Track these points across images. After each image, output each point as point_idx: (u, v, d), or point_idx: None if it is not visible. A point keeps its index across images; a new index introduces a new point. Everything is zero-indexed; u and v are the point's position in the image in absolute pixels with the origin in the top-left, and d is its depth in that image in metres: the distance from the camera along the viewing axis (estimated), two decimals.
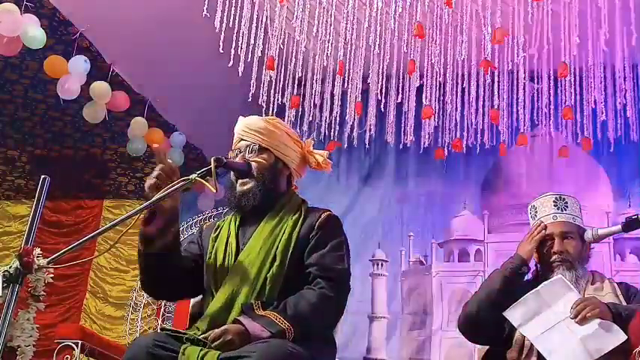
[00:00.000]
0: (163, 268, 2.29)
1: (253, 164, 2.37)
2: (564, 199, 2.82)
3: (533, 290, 2.60)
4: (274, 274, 2.23)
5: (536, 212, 2.85)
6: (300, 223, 2.34)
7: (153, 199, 2.15)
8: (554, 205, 2.79)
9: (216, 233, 2.42)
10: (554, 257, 2.72)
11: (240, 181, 2.37)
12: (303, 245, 2.30)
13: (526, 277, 2.81)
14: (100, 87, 5.83)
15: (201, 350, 2.07)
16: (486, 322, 2.67)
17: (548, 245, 2.75)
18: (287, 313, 2.13)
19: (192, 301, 2.54)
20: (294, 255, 2.28)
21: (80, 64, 5.54)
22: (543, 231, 2.78)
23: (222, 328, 2.11)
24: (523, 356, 2.56)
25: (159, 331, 2.65)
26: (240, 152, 2.41)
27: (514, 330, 2.59)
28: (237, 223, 2.41)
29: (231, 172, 2.39)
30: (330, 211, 2.42)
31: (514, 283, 2.69)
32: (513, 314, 2.58)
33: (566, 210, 2.79)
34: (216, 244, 2.39)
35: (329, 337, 2.35)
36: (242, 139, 2.44)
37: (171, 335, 2.18)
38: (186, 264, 2.39)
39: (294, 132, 2.54)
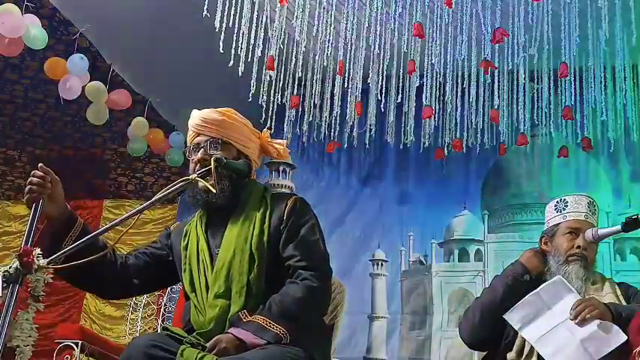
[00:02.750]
0: (89, 277, 2.24)
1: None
2: (595, 204, 2.82)
3: (532, 292, 2.60)
4: (256, 276, 2.20)
5: (565, 206, 2.80)
6: (267, 216, 2.28)
7: (153, 199, 2.15)
8: (588, 207, 2.79)
9: (186, 241, 2.35)
10: (575, 250, 2.70)
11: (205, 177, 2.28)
12: (276, 238, 2.26)
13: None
14: (96, 87, 5.83)
15: (199, 353, 2.06)
16: (488, 330, 2.66)
17: (571, 238, 2.74)
18: (274, 314, 2.10)
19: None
20: (270, 251, 2.24)
21: (77, 62, 5.53)
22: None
23: (214, 338, 2.09)
24: (523, 357, 2.55)
25: (159, 331, 2.65)
26: (200, 147, 2.33)
27: (517, 335, 2.59)
28: (204, 225, 2.35)
29: (189, 170, 2.31)
30: (295, 195, 2.38)
31: (517, 291, 2.67)
32: (513, 317, 2.57)
33: (594, 215, 2.80)
34: (187, 252, 2.32)
35: (326, 336, 2.35)
36: (200, 134, 2.37)
37: (171, 336, 2.18)
38: (128, 265, 2.36)
39: (249, 122, 2.47)
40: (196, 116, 2.40)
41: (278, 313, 2.11)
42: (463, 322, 2.75)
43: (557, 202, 2.85)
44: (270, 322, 2.09)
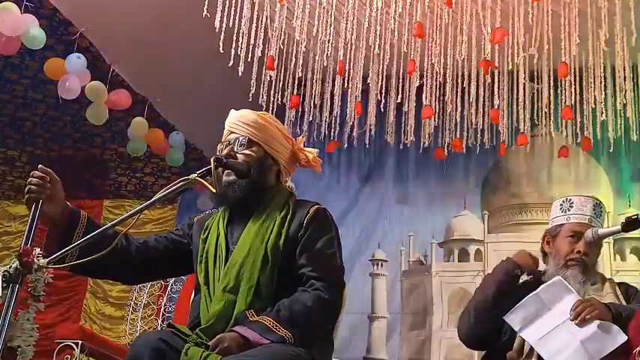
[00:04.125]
0: (105, 267, 2.27)
1: (240, 157, 2.34)
2: (601, 207, 2.79)
3: (532, 293, 2.59)
4: (267, 277, 2.20)
5: (570, 207, 2.77)
6: (288, 220, 2.30)
7: (153, 199, 2.14)
8: (593, 210, 2.76)
9: (206, 234, 2.38)
10: (575, 255, 2.69)
11: (226, 171, 2.32)
12: (293, 244, 2.27)
13: (527, 278, 2.79)
14: (95, 87, 5.82)
15: (203, 352, 2.06)
16: (484, 328, 2.65)
17: (572, 242, 2.72)
18: (282, 318, 2.10)
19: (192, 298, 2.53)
20: (285, 255, 2.24)
21: (75, 61, 5.52)
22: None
23: (217, 337, 2.09)
24: (523, 357, 2.55)
25: (160, 328, 2.65)
26: (229, 144, 2.37)
27: (515, 334, 2.58)
28: (225, 221, 2.37)
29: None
30: (318, 204, 2.37)
31: (507, 287, 2.67)
32: (513, 318, 2.57)
33: (599, 218, 2.77)
34: (206, 245, 2.34)
35: (327, 337, 2.34)
36: (232, 132, 2.40)
37: (176, 334, 2.18)
38: (144, 251, 2.38)
39: (285, 128, 2.50)
40: (233, 115, 2.45)
41: (285, 318, 2.11)
42: (460, 322, 2.75)
43: (563, 201, 2.82)
44: (276, 325, 2.09)
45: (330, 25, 5.18)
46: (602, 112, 5.47)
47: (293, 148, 2.48)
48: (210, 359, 2.03)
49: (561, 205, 2.82)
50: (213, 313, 2.19)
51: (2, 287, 1.82)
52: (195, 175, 2.15)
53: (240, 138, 2.36)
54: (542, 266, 2.85)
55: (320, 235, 2.29)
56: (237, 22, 5.09)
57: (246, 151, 2.34)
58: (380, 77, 5.65)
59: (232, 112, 2.47)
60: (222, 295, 2.20)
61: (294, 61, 5.66)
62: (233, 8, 5.04)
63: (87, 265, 2.10)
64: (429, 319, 6.51)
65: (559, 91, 5.68)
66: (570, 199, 2.81)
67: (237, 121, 2.41)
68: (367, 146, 6.43)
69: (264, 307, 2.16)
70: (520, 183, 6.69)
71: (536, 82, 5.87)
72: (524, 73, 5.48)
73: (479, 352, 2.86)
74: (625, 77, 5.43)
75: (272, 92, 5.76)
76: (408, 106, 5.92)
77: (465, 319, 2.70)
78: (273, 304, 2.16)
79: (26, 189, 2.11)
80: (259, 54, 5.24)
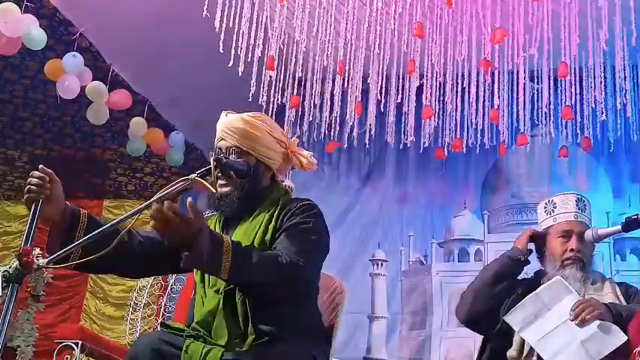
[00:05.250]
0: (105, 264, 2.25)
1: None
2: (584, 200, 2.81)
3: (532, 293, 2.60)
4: None
5: (554, 207, 2.79)
6: (275, 216, 2.31)
7: (153, 198, 2.14)
8: (576, 205, 2.77)
9: None
10: (569, 254, 2.70)
11: (219, 182, 2.32)
12: (279, 233, 2.28)
13: (527, 277, 2.80)
14: (95, 87, 5.82)
15: (204, 347, 2.07)
16: (481, 308, 2.68)
17: (564, 242, 2.73)
18: (240, 253, 2.06)
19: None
20: (272, 247, 2.25)
21: (71, 61, 5.51)
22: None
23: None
24: (524, 356, 2.56)
25: (159, 329, 2.67)
26: (221, 152, 2.38)
27: (511, 327, 2.60)
28: (221, 224, 2.41)
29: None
30: (308, 200, 2.38)
31: (509, 269, 2.70)
32: (513, 318, 2.57)
33: (584, 212, 2.78)
34: None
35: (324, 330, 2.37)
36: (223, 139, 2.41)
37: (173, 333, 2.19)
38: (143, 248, 2.38)
39: (278, 129, 2.47)
40: (222, 122, 2.44)
41: (243, 255, 2.07)
42: (460, 301, 2.78)
43: (546, 203, 2.85)
44: (228, 259, 2.02)
45: (330, 25, 5.18)
46: (602, 112, 5.47)
47: (286, 150, 2.47)
48: (212, 354, 2.05)
49: (545, 207, 2.84)
50: (207, 310, 2.21)
51: (2, 287, 1.82)
52: (195, 174, 2.16)
53: (231, 147, 2.37)
54: (540, 266, 2.86)
55: (299, 222, 2.28)
56: (237, 21, 5.08)
57: (238, 161, 2.34)
58: (380, 77, 5.65)
59: (222, 116, 2.45)
60: (215, 295, 2.23)
61: (294, 61, 5.65)
62: (233, 8, 5.04)
63: (89, 262, 2.11)
64: (429, 319, 6.50)
65: (559, 91, 5.67)
66: (553, 200, 2.83)
67: (226, 128, 2.40)
68: (367, 146, 6.42)
69: (256, 301, 2.17)
70: (520, 183, 6.69)
71: (536, 82, 5.87)
72: (524, 73, 5.48)
73: (478, 352, 2.86)
74: (625, 77, 5.43)
75: (272, 92, 5.75)
76: (408, 106, 5.91)
77: (465, 297, 2.74)
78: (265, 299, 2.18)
79: (26, 189, 2.12)
80: (259, 54, 5.23)
